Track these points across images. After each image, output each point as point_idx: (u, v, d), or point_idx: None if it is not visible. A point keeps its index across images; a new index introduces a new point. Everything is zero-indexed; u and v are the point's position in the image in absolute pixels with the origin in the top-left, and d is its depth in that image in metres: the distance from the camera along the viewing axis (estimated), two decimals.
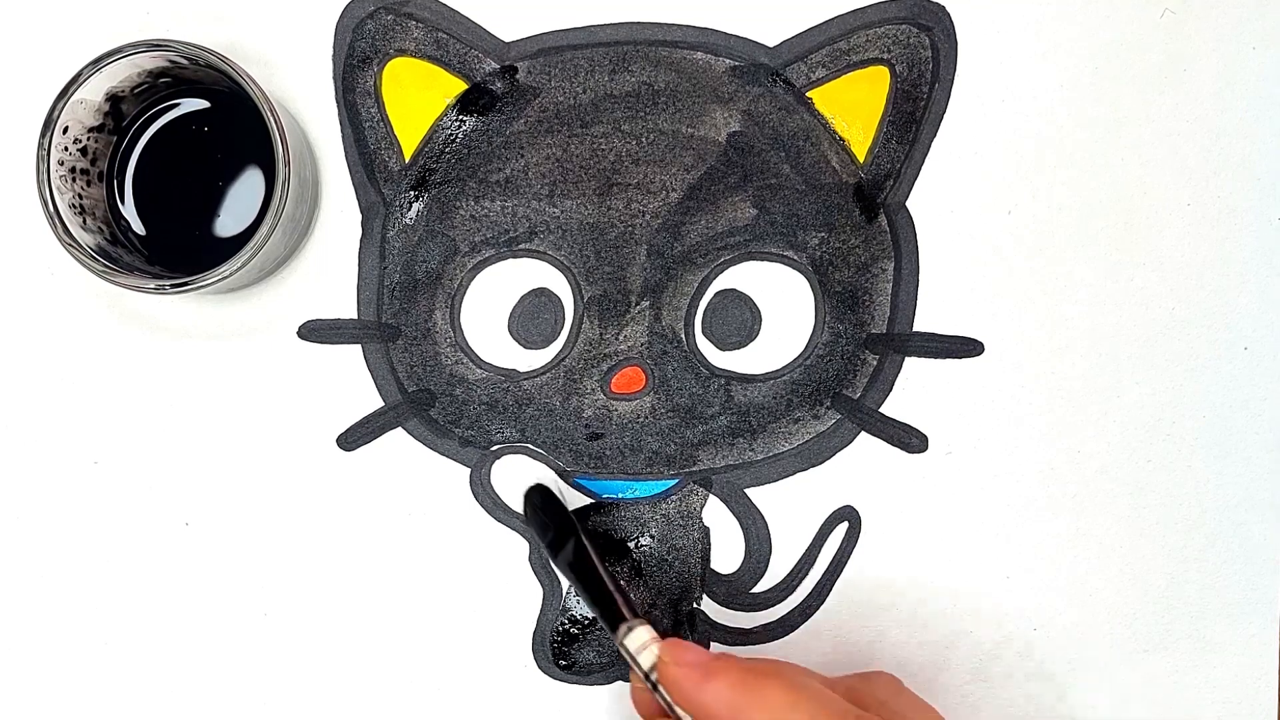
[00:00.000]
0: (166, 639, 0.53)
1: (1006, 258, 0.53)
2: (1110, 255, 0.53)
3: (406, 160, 0.53)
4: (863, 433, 0.53)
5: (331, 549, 0.53)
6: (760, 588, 0.53)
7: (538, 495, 0.52)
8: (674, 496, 0.53)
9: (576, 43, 0.53)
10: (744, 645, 0.53)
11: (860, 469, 0.53)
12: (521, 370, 0.53)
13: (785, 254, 0.53)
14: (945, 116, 0.53)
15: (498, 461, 0.53)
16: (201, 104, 0.51)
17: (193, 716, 0.53)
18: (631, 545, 0.53)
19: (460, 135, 0.53)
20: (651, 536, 0.53)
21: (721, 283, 0.53)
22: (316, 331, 0.53)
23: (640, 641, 0.45)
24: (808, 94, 0.53)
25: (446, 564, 0.53)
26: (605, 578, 0.47)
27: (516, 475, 0.53)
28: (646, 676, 0.44)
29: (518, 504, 0.53)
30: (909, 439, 0.53)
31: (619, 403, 0.53)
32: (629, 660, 0.45)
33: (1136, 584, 0.53)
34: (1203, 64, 0.53)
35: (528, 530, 0.53)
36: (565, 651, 0.53)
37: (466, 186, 0.53)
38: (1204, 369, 0.53)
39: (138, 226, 0.51)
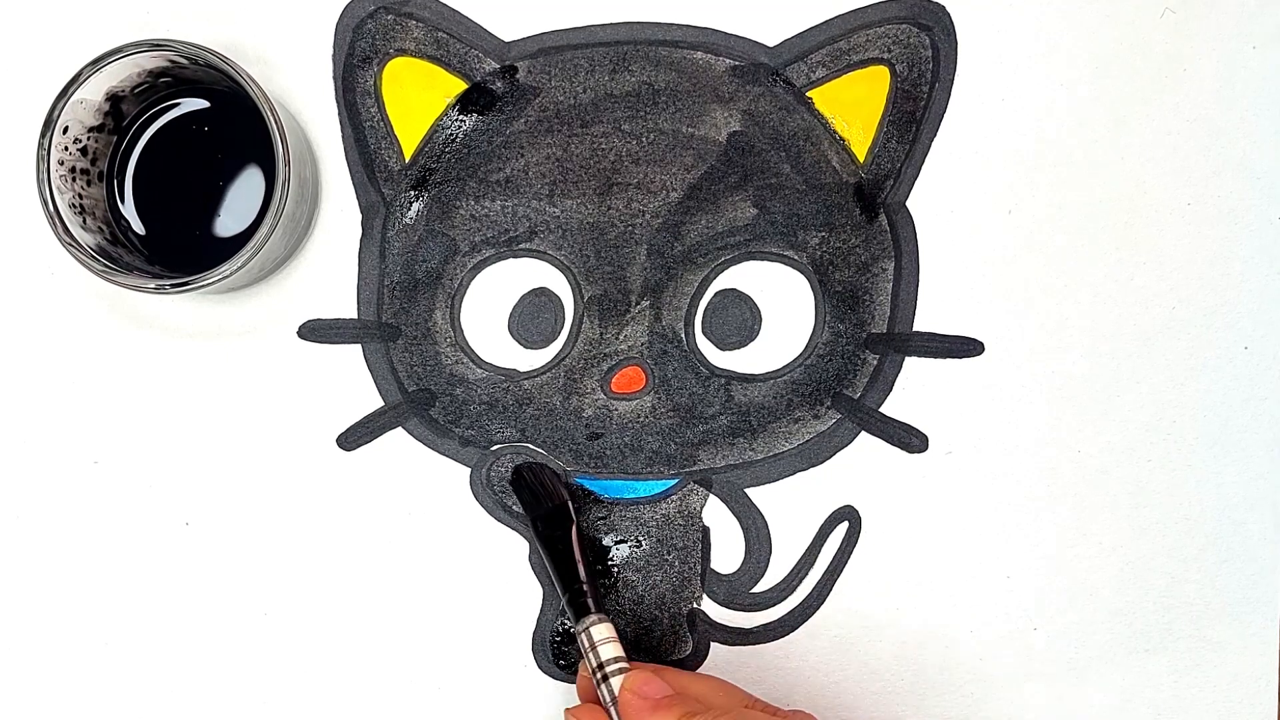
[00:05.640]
0: (166, 639, 0.53)
1: (1006, 258, 0.53)
2: (1110, 255, 0.53)
3: (406, 160, 0.53)
4: (863, 433, 0.53)
5: (331, 549, 0.53)
6: (760, 588, 0.53)
7: (538, 472, 0.52)
8: (674, 496, 0.53)
9: (576, 43, 0.53)
10: (744, 645, 0.53)
11: (860, 469, 0.53)
12: (521, 370, 0.53)
13: (785, 254, 0.53)
14: (945, 116, 0.53)
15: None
16: (201, 104, 0.51)
17: (193, 716, 0.53)
18: (631, 545, 0.53)
19: (460, 135, 0.53)
20: (651, 536, 0.53)
21: (721, 282, 0.53)
22: (316, 331, 0.53)
23: (600, 636, 0.48)
24: (808, 94, 0.53)
25: (446, 564, 0.53)
26: (583, 570, 0.50)
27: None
28: (599, 668, 0.48)
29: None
30: (909, 439, 0.53)
31: (619, 402, 0.53)
32: (583, 652, 0.48)
33: (1136, 584, 0.53)
34: (1203, 64, 0.53)
35: (528, 530, 0.53)
36: (565, 651, 0.53)
37: (466, 186, 0.53)
38: (1204, 369, 0.53)
39: (138, 226, 0.51)
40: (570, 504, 0.51)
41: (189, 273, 0.47)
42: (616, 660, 0.48)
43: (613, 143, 0.53)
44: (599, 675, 0.48)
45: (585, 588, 0.49)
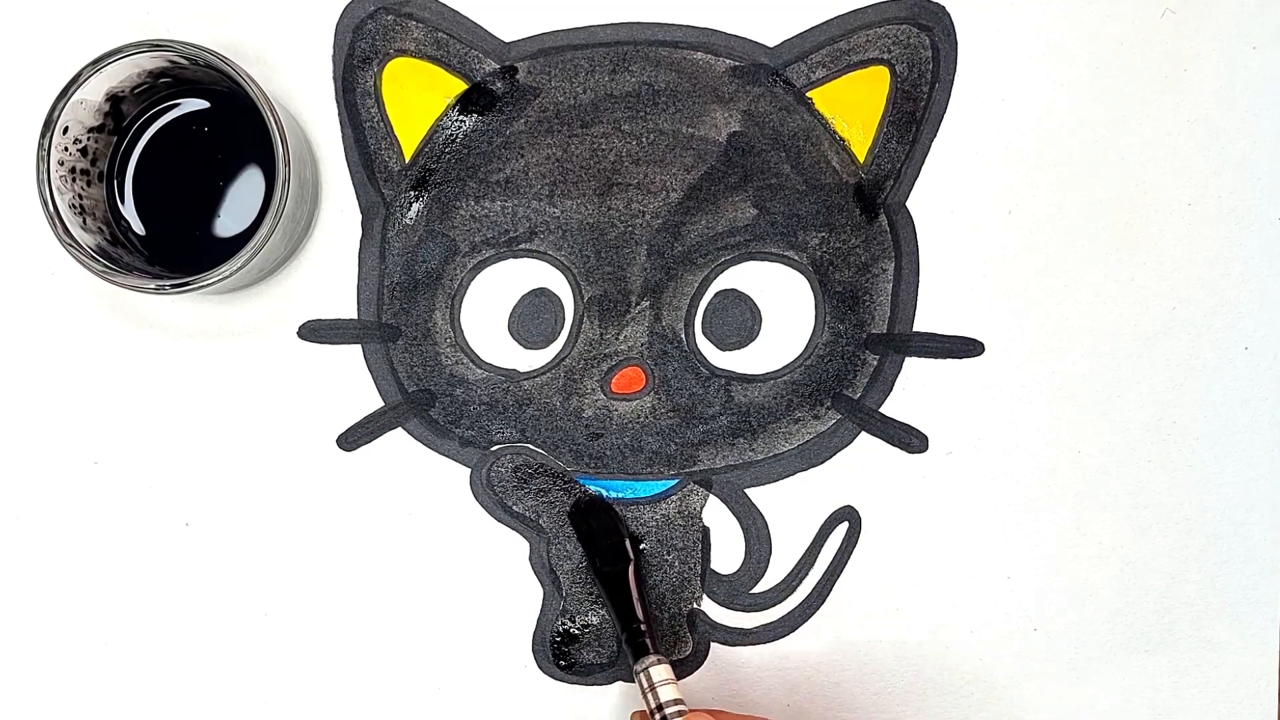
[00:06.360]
0: (166, 639, 0.53)
1: (1006, 258, 0.53)
2: (1110, 255, 0.53)
3: (406, 160, 0.53)
4: (863, 433, 0.53)
5: (331, 549, 0.53)
6: (760, 588, 0.53)
7: (599, 509, 0.52)
8: (674, 496, 0.53)
9: (576, 43, 0.53)
10: (744, 645, 0.53)
11: (860, 469, 0.53)
12: (522, 370, 0.53)
13: (785, 254, 0.53)
14: (945, 116, 0.53)
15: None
16: (201, 104, 0.51)
17: (193, 716, 0.53)
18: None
19: (460, 135, 0.53)
20: (652, 536, 0.53)
21: (722, 283, 0.53)
22: (316, 331, 0.53)
23: (659, 678, 0.48)
24: (808, 94, 0.53)
25: (446, 564, 0.53)
26: (640, 609, 0.50)
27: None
28: (657, 709, 0.48)
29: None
30: (909, 439, 0.53)
31: (619, 403, 0.53)
32: (642, 692, 0.48)
33: (1136, 584, 0.53)
34: (1203, 64, 0.53)
35: (528, 530, 0.53)
36: (565, 651, 0.53)
37: (466, 186, 0.53)
38: (1204, 369, 0.53)
39: (138, 226, 0.51)
40: (629, 542, 0.52)
41: (189, 273, 0.47)
42: (675, 703, 0.48)
43: (613, 143, 0.53)
44: (657, 717, 0.48)
45: (644, 627, 0.50)
